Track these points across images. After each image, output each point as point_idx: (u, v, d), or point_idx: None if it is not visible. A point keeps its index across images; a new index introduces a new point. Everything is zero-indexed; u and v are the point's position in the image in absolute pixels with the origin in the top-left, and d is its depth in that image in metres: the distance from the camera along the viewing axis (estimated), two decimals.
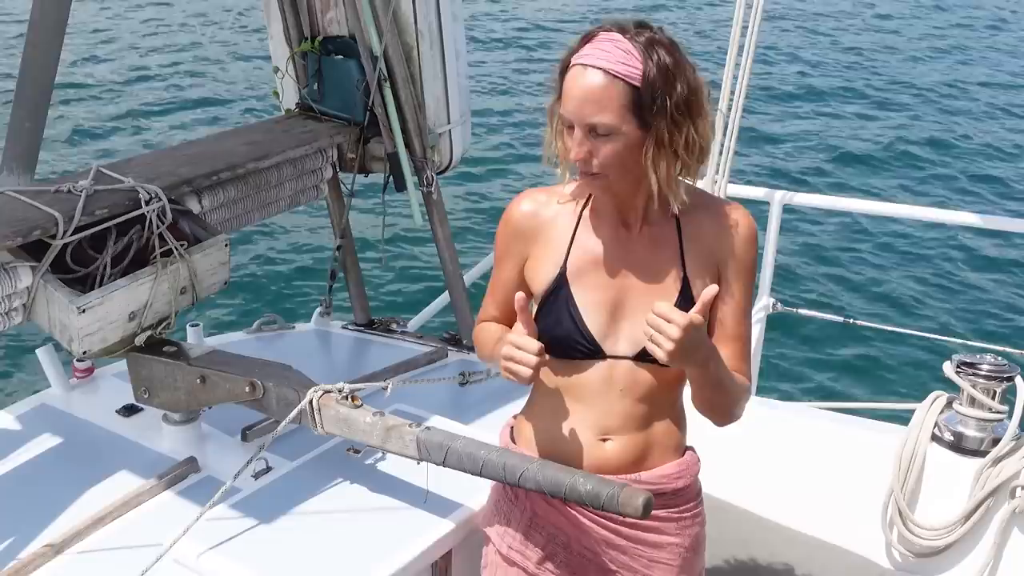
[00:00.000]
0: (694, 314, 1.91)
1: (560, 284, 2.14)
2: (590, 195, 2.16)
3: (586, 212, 2.17)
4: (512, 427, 2.36)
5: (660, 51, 1.93)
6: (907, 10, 17.97)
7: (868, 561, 2.95)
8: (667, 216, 2.12)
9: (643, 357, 2.09)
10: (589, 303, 2.12)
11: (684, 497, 2.28)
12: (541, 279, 2.17)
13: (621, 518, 2.18)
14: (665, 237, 2.13)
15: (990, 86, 13.79)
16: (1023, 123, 12.35)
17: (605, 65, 1.92)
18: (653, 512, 2.15)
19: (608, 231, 2.14)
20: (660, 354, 1.92)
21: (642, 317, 2.02)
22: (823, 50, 15.27)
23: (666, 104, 1.92)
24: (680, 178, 2.06)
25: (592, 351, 2.13)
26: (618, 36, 1.94)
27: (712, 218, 2.14)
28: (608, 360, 2.13)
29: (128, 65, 14.19)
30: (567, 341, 2.13)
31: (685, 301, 2.06)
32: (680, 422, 2.27)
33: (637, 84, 1.91)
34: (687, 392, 2.21)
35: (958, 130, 12.05)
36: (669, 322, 1.89)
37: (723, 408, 2.18)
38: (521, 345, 2.03)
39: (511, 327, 2.25)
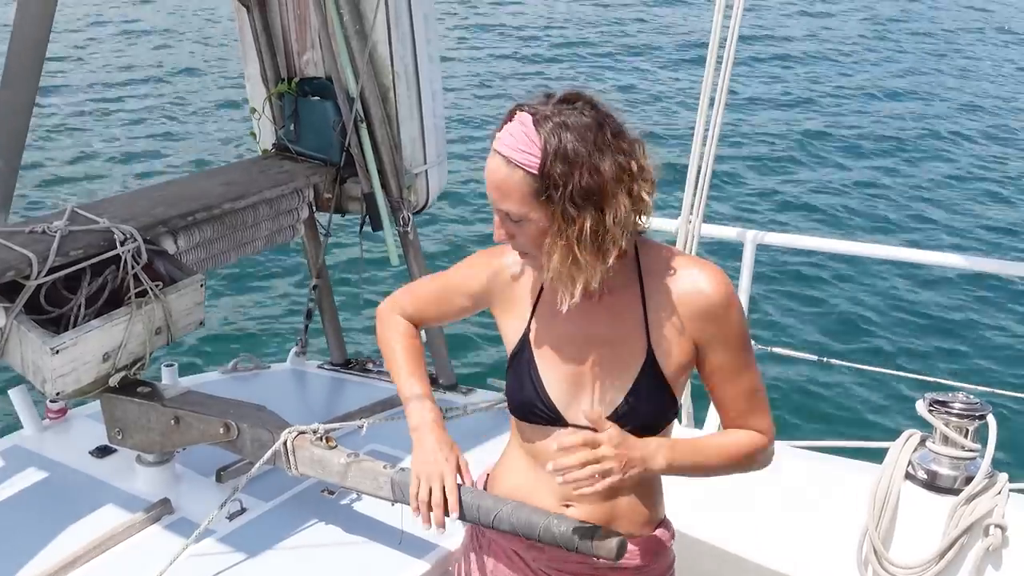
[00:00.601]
0: (599, 433, 1.87)
1: (523, 347, 2.10)
2: None
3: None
4: (487, 478, 2.32)
5: (566, 136, 1.81)
6: (875, 49, 18.18)
7: None
8: (631, 283, 2.02)
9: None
10: (551, 370, 2.06)
11: (649, 573, 2.19)
12: (509, 338, 2.14)
13: None
14: (628, 306, 2.02)
15: (967, 126, 13.95)
16: (995, 163, 12.49)
17: (506, 152, 1.85)
18: None
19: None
20: (614, 479, 1.86)
21: (605, 388, 2.02)
22: (794, 88, 15.42)
23: (562, 194, 1.82)
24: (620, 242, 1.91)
25: (553, 419, 2.07)
26: (527, 118, 1.84)
27: (680, 285, 2.00)
28: (570, 429, 2.05)
29: (104, 104, 14.17)
30: (528, 407, 2.09)
31: (651, 375, 2.01)
32: (651, 496, 2.17)
33: (536, 172, 1.82)
34: None
35: (929, 168, 12.18)
36: (594, 446, 1.85)
37: (725, 475, 2.13)
38: (435, 503, 2.09)
39: (418, 326, 2.34)
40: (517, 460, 2.20)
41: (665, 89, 14.99)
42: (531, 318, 2.10)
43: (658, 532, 2.19)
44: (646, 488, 2.15)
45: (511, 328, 2.14)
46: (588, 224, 1.83)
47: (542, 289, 2.10)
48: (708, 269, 2.02)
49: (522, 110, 1.87)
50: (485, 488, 2.30)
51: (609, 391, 2.04)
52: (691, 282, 2.00)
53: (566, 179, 1.81)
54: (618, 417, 2.01)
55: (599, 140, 1.83)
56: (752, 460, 2.13)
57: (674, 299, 2.00)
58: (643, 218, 1.92)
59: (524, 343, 2.10)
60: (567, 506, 2.11)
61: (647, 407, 2.03)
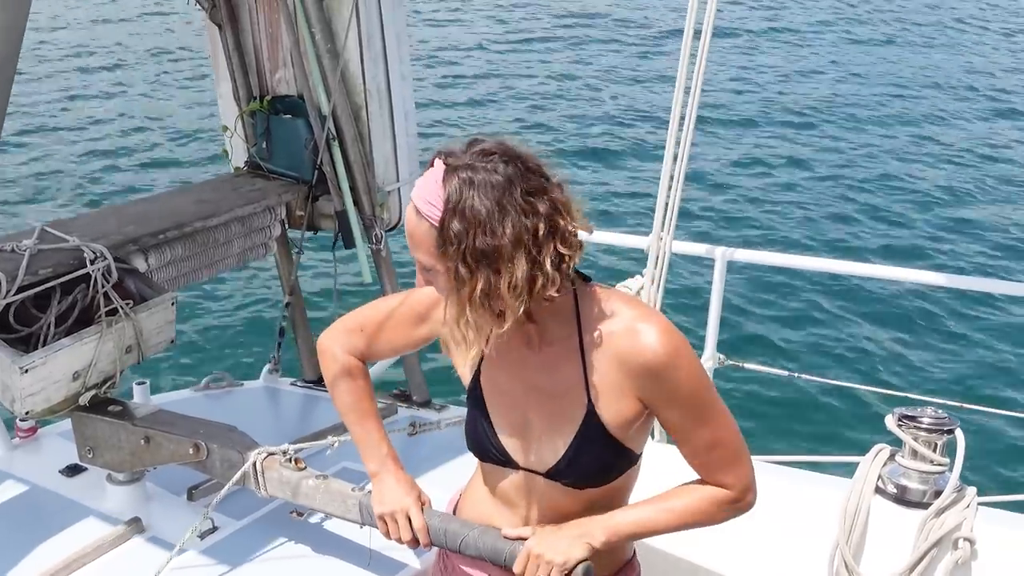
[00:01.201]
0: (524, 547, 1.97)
1: (475, 387, 2.06)
2: None
3: None
4: (456, 504, 2.31)
5: (468, 193, 1.75)
6: (851, 55, 18.32)
7: None
8: (569, 335, 1.94)
9: (553, 476, 2.00)
10: (500, 415, 2.04)
11: None
12: (463, 374, 2.11)
13: None
14: (566, 359, 1.94)
15: (944, 137, 14.07)
16: (969, 172, 12.61)
17: (416, 202, 1.81)
18: None
19: (513, 348, 1.96)
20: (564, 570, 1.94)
21: (548, 439, 1.98)
22: (768, 104, 15.52)
23: (456, 251, 1.76)
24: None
25: (504, 461, 2.05)
26: (440, 168, 1.79)
27: (620, 341, 1.90)
28: (522, 472, 2.04)
29: (74, 122, 14.10)
30: (481, 446, 2.07)
31: (592, 428, 1.93)
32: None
33: (437, 226, 1.78)
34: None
35: (903, 182, 12.28)
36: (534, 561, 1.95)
37: (686, 530, 2.07)
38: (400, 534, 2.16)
39: (365, 361, 2.28)
40: (482, 494, 2.19)
41: (636, 105, 15.06)
42: (481, 359, 2.04)
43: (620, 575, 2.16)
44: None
45: (464, 365, 2.09)
46: (480, 286, 1.77)
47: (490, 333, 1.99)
48: (652, 324, 1.90)
49: (439, 158, 1.81)
50: (455, 509, 2.30)
51: (552, 442, 1.99)
52: (632, 338, 1.89)
53: (460, 238, 1.75)
54: (560, 469, 1.99)
55: (504, 200, 1.75)
56: (711, 516, 2.04)
57: (614, 355, 1.91)
58: (549, 284, 1.80)
59: (476, 383, 2.07)
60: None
61: (589, 460, 1.97)
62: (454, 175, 1.77)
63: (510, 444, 2.03)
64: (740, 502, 2.03)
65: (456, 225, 1.76)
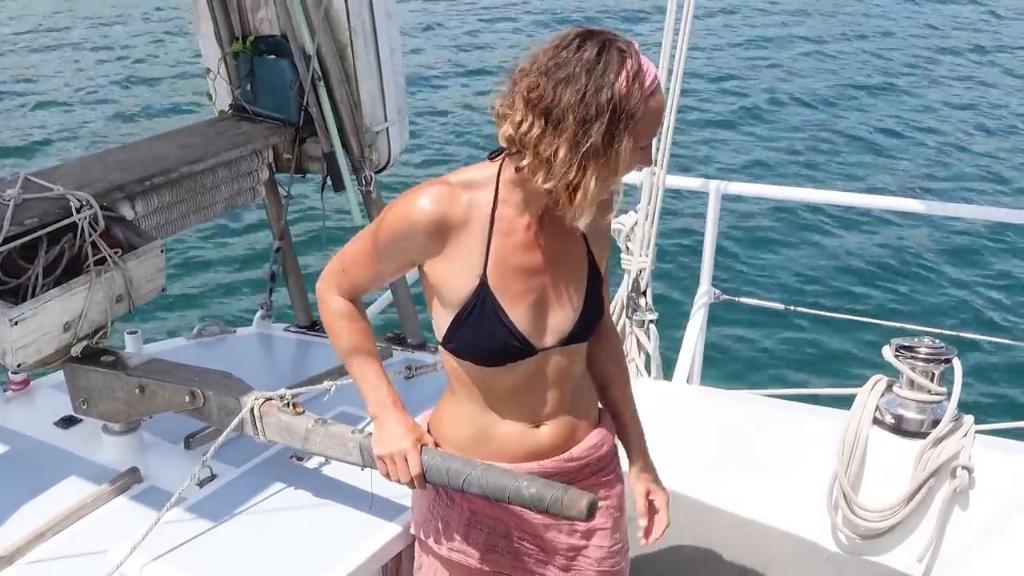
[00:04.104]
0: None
1: (483, 294, 2.08)
2: (496, 190, 2.09)
3: (497, 212, 2.08)
4: (429, 423, 2.34)
5: None
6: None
7: (814, 545, 2.99)
8: None
9: (569, 340, 2.16)
10: (517, 307, 2.10)
11: (607, 459, 2.36)
12: (459, 288, 2.10)
13: None
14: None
15: (934, 71, 13.99)
16: (964, 109, 12.56)
17: (656, 80, 1.96)
18: (587, 483, 2.25)
19: (521, 226, 2.09)
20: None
21: (563, 305, 2.13)
22: (760, 40, 15.41)
23: None
24: None
25: (523, 351, 2.12)
26: (622, 42, 1.95)
27: None
28: (539, 354, 2.14)
29: (55, 69, 13.93)
30: (504, 351, 2.11)
31: (592, 278, 2.17)
32: (591, 390, 2.35)
33: None
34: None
35: (899, 116, 12.23)
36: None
37: None
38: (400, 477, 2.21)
39: (354, 302, 2.29)
40: (476, 397, 2.21)
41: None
42: (486, 263, 2.07)
43: (605, 423, 2.37)
44: (589, 385, 2.34)
45: (461, 278, 2.09)
46: None
47: (491, 229, 2.07)
48: None
49: (616, 40, 1.92)
50: (428, 431, 2.33)
51: (568, 305, 2.15)
52: None
53: None
54: (579, 329, 2.16)
55: None
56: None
57: None
58: None
59: (483, 290, 2.08)
60: (539, 426, 2.21)
61: (595, 307, 2.19)
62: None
63: (530, 332, 2.11)
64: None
65: None
